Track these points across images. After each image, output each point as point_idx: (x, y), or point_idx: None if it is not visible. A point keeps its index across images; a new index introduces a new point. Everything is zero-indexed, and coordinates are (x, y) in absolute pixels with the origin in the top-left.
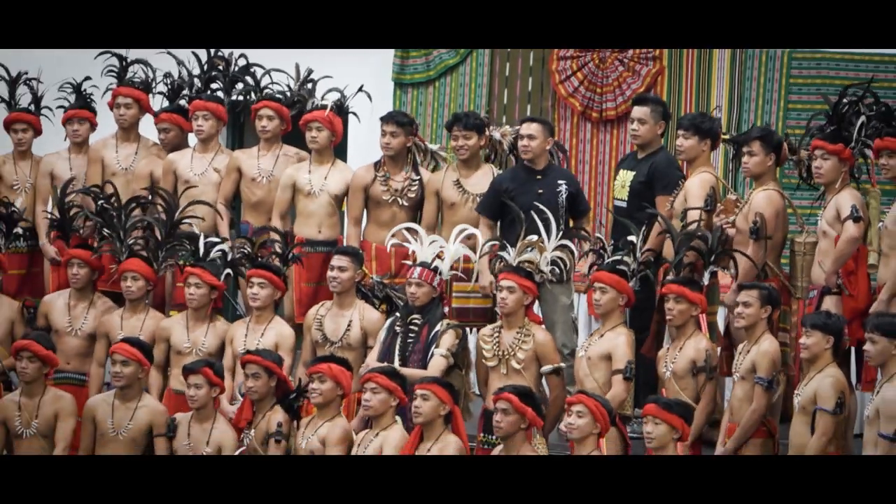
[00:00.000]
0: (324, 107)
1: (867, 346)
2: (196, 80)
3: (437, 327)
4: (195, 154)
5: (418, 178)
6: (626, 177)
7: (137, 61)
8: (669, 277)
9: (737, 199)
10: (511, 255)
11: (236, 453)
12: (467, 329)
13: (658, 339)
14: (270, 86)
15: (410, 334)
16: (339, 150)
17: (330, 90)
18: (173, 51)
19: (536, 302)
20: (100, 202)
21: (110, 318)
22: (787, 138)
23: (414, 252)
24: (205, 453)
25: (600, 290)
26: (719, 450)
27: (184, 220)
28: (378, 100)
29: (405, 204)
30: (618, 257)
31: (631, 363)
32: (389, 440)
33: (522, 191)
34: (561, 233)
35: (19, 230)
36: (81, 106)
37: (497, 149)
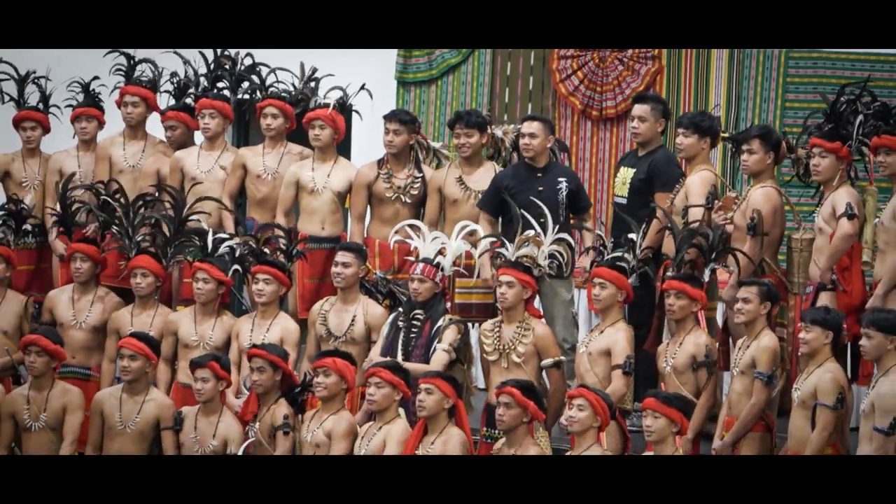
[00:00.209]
0: (326, 105)
1: (863, 342)
2: (202, 79)
3: (440, 322)
4: (202, 152)
5: (421, 175)
6: (626, 174)
7: (145, 60)
8: (670, 273)
9: (735, 196)
10: (510, 251)
11: (243, 446)
12: (469, 324)
13: (658, 335)
14: (275, 84)
15: (413, 329)
16: (342, 147)
17: (332, 88)
18: (180, 50)
19: (537, 296)
20: (102, 197)
21: (120, 315)
22: (785, 136)
23: (416, 248)
24: (211, 446)
25: (600, 285)
26: (716, 443)
27: (191, 217)
28: (381, 98)
29: (408, 201)
30: (618, 254)
31: (630, 358)
32: (393, 434)
33: (523, 188)
34: (558, 227)
35: (28, 227)
36: (89, 104)
37: (500, 147)
